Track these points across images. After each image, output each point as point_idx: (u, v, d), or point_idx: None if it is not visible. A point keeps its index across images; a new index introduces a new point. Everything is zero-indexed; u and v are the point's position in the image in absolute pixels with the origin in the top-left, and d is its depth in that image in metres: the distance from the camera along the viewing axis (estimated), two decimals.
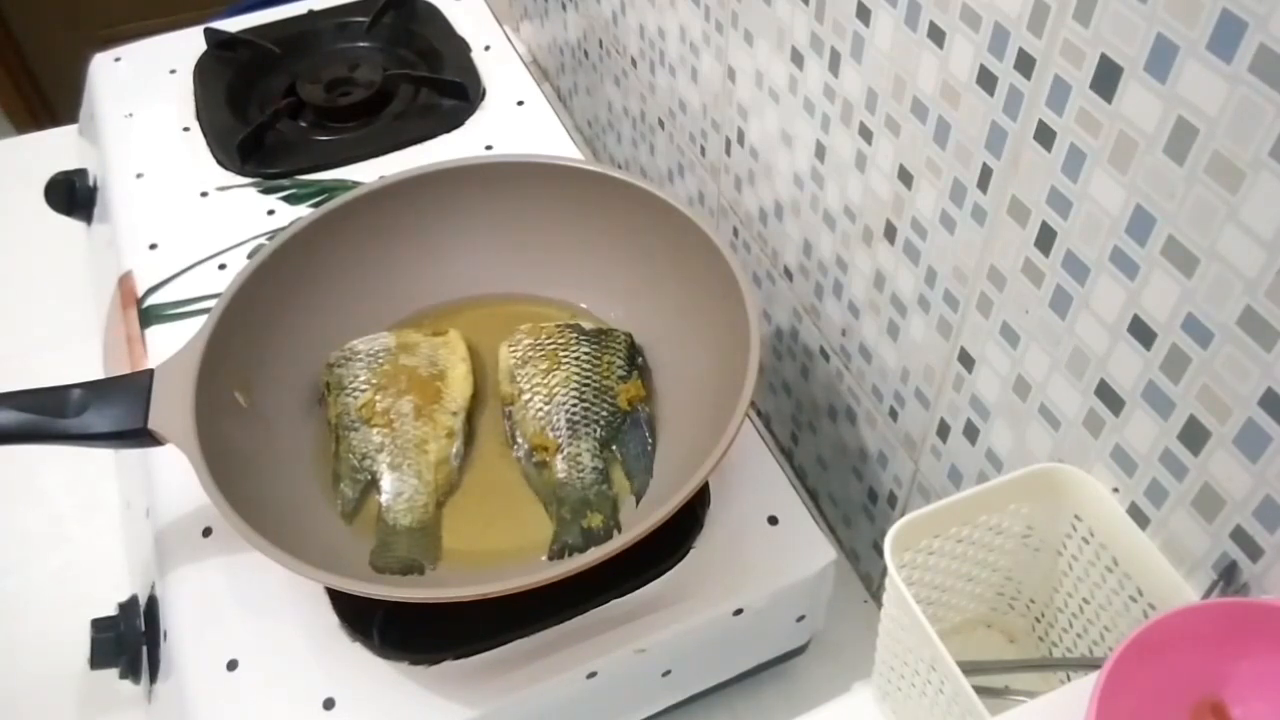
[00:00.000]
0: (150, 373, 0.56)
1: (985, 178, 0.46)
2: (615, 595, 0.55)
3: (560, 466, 0.58)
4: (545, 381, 0.61)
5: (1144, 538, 0.44)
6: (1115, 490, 0.45)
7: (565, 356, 0.62)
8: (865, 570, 0.71)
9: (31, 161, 0.70)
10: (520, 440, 0.60)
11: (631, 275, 0.66)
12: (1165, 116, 0.36)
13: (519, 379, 0.61)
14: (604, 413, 0.60)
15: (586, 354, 0.62)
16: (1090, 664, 0.48)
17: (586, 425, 0.60)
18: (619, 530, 0.56)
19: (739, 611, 0.56)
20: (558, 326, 0.64)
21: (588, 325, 0.64)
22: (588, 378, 0.61)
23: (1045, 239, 0.44)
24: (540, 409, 0.60)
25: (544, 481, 0.59)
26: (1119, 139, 0.38)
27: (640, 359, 0.64)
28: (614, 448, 0.60)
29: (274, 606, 0.55)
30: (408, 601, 0.53)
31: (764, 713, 0.63)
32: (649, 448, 0.60)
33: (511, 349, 0.63)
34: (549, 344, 0.62)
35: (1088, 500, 0.46)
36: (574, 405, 0.60)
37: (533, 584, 0.48)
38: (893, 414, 0.61)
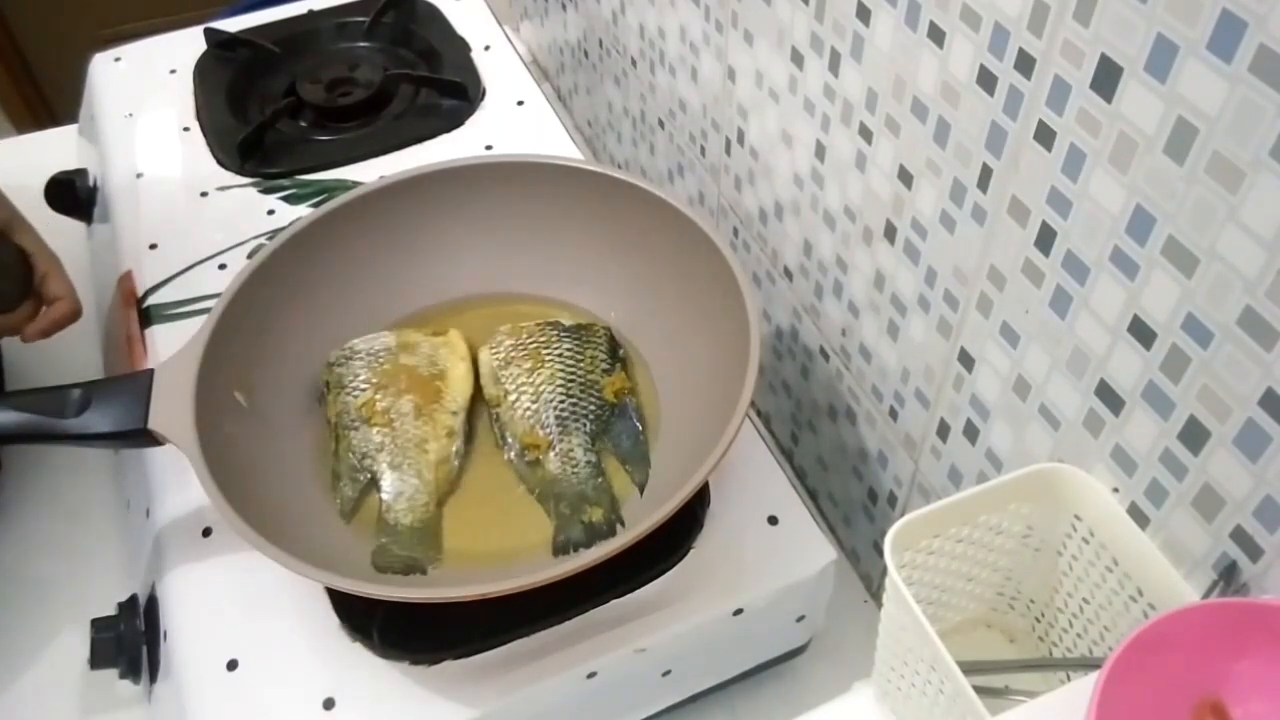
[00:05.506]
0: (150, 373, 0.56)
1: (985, 178, 0.46)
2: (615, 595, 0.55)
3: (553, 463, 0.58)
4: (531, 380, 0.61)
5: (1144, 538, 0.44)
6: (1115, 490, 0.45)
7: (548, 354, 0.62)
8: (865, 570, 0.71)
9: (31, 161, 0.70)
10: (510, 440, 0.60)
11: (632, 275, 0.66)
12: (1165, 116, 0.36)
13: (503, 380, 0.62)
14: (592, 407, 0.60)
15: (569, 350, 0.62)
16: (1090, 664, 0.48)
17: (576, 420, 0.60)
18: (622, 524, 0.56)
19: (739, 611, 0.56)
20: (538, 325, 0.64)
21: (567, 321, 0.64)
22: (573, 373, 0.61)
23: (1045, 239, 0.44)
24: (528, 408, 0.60)
25: (538, 479, 0.59)
26: (1119, 139, 0.38)
27: (622, 351, 0.64)
28: (606, 440, 0.60)
29: (274, 606, 0.55)
30: (408, 601, 0.53)
31: (764, 713, 0.63)
32: (641, 437, 0.60)
33: (493, 351, 0.63)
34: (530, 343, 0.62)
35: (1088, 500, 0.46)
36: (562, 401, 0.60)
37: (532, 584, 0.48)
38: (893, 414, 0.61)
